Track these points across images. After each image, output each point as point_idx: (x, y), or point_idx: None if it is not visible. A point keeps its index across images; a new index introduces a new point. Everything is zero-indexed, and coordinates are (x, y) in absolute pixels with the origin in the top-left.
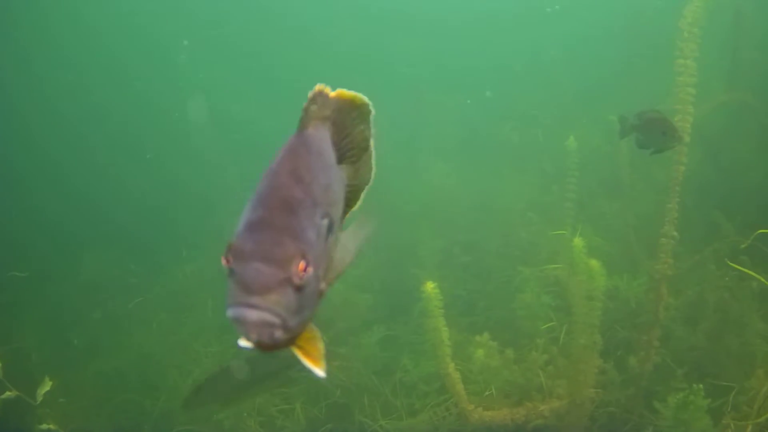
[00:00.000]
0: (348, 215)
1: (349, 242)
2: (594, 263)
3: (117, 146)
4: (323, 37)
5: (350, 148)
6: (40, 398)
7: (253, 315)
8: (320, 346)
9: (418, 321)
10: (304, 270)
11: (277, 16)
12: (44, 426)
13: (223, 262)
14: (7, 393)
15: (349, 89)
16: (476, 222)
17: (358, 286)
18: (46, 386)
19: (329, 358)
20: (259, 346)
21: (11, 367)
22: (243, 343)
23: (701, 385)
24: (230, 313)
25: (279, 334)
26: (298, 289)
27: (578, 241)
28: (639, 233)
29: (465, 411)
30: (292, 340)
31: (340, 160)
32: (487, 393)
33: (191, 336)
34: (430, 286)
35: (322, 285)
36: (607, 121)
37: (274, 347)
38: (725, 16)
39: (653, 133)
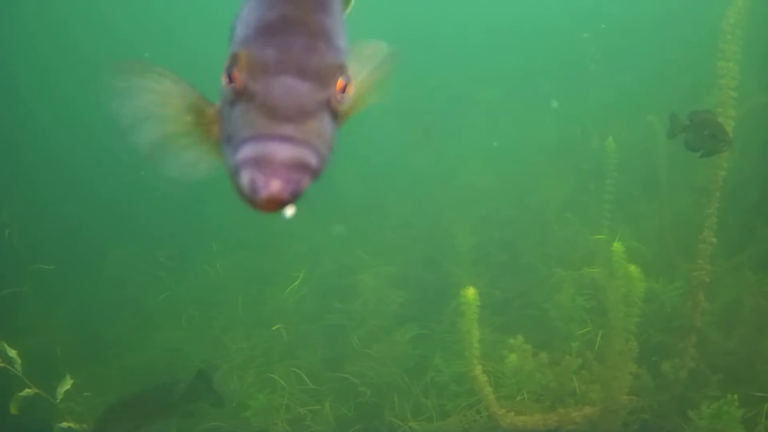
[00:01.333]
0: None
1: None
2: (633, 269)
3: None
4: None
5: None
6: (60, 396)
7: (285, 151)
8: None
9: (452, 319)
10: (344, 90)
11: None
12: (64, 424)
13: (224, 81)
14: (27, 390)
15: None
16: (512, 220)
17: (391, 282)
18: (67, 384)
19: (361, 357)
20: (270, 203)
21: (36, 360)
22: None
23: (735, 396)
24: (247, 151)
25: (306, 182)
26: (335, 116)
27: (618, 246)
28: (676, 235)
29: (495, 415)
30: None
31: None
32: (519, 398)
33: (220, 331)
34: (471, 292)
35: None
36: (646, 122)
37: (287, 204)
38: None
39: (704, 135)
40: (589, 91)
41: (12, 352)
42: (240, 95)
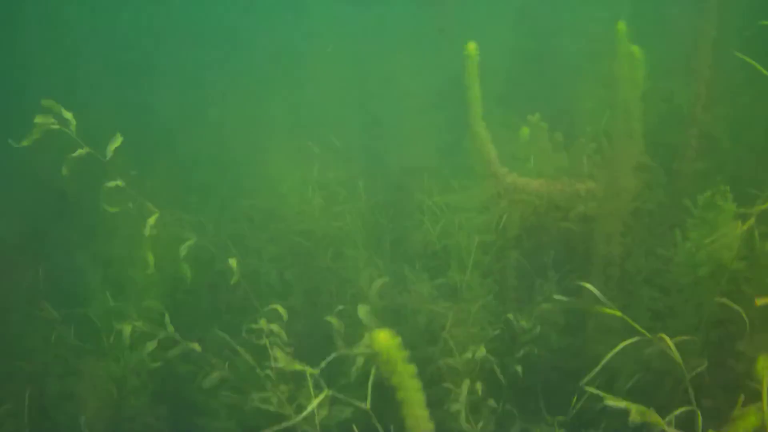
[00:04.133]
0: None
1: None
2: None
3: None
4: None
5: None
6: (110, 154)
7: None
8: None
9: None
10: None
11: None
12: (111, 183)
13: None
14: (79, 151)
15: None
16: None
17: None
18: (117, 142)
19: None
20: None
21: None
22: None
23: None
24: None
25: None
26: None
27: None
28: None
29: (497, 174)
30: None
31: None
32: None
33: None
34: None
35: None
36: None
37: None
38: None
39: None
40: None
41: (67, 114)
42: None
